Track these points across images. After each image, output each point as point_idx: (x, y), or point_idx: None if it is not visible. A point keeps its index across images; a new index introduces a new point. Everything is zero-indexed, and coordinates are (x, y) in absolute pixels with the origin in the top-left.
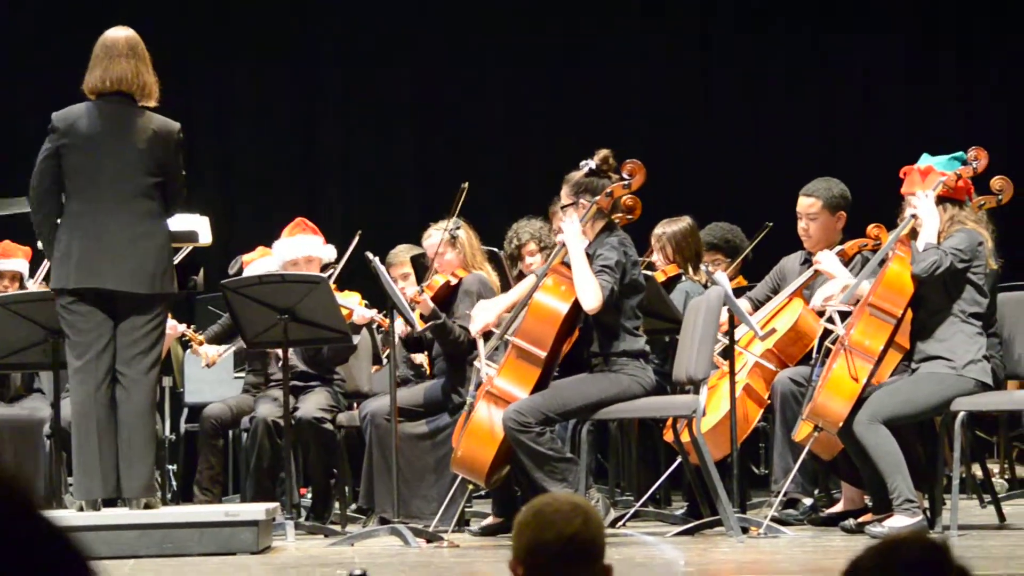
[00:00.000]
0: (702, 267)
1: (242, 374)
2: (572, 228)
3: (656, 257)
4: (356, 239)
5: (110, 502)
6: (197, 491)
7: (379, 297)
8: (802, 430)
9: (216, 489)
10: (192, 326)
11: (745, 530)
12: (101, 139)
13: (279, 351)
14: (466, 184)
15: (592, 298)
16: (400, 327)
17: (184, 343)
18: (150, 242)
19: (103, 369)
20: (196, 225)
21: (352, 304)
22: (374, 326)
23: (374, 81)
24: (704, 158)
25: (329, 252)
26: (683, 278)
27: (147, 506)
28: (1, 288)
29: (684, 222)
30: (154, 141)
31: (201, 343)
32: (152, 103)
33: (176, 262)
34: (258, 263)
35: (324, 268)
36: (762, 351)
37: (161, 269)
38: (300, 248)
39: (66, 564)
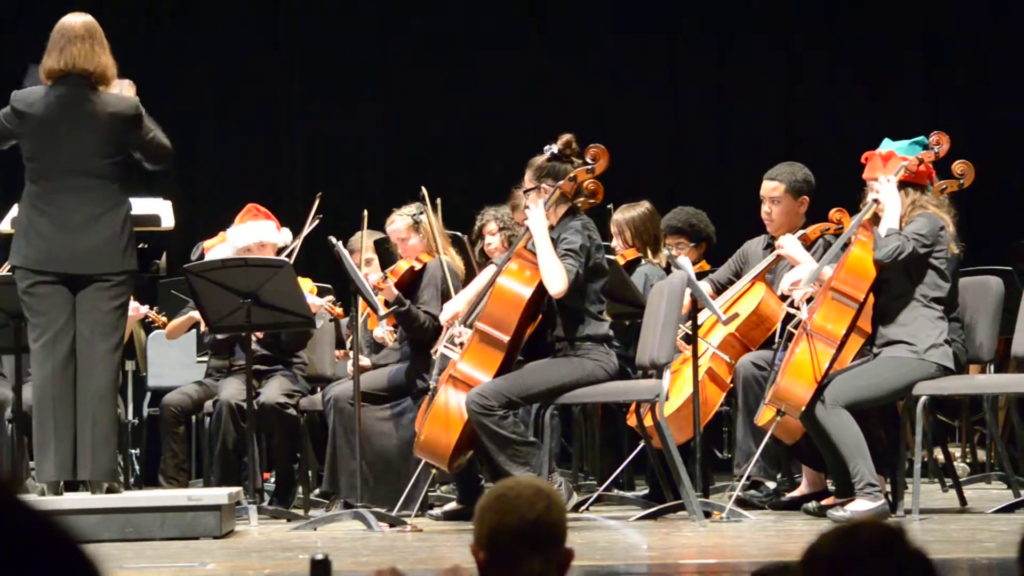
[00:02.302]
0: (663, 251)
1: (205, 358)
2: (537, 213)
3: (615, 242)
4: (314, 219)
5: (72, 486)
6: (162, 480)
7: (343, 282)
8: (764, 414)
9: (182, 477)
10: (155, 308)
11: (708, 514)
12: (58, 122)
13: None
14: (424, 190)
15: (557, 282)
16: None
17: (147, 325)
18: (109, 222)
19: (63, 350)
20: (158, 209)
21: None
22: (326, 317)
23: (339, 61)
24: (668, 142)
25: (283, 236)
26: (642, 262)
27: (110, 490)
28: None
29: (643, 207)
30: (111, 121)
31: (164, 324)
32: (109, 85)
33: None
34: (216, 249)
35: (279, 253)
36: (724, 335)
37: (121, 247)
38: (252, 234)
39: (53, 550)
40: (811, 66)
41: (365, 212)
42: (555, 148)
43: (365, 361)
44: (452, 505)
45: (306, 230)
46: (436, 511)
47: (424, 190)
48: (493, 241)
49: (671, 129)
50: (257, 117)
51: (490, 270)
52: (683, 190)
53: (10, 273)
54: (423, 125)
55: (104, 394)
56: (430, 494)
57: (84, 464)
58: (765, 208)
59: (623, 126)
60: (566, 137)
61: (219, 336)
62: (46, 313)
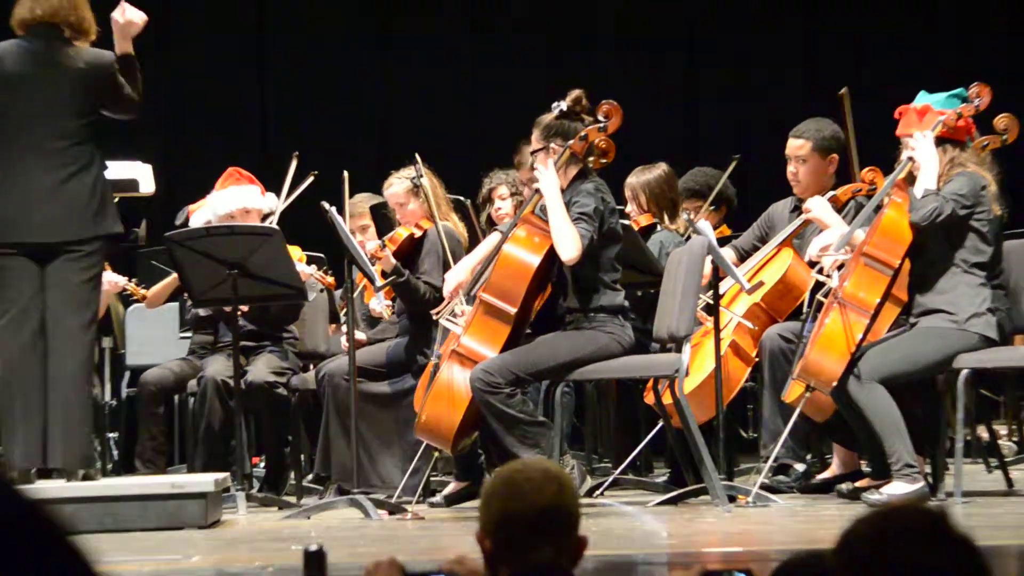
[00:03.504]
0: (682, 215)
1: (189, 335)
2: (547, 174)
3: (630, 207)
4: (304, 180)
5: (45, 473)
6: (139, 464)
7: (336, 251)
8: (793, 390)
9: (160, 461)
10: (134, 280)
11: (732, 499)
12: (28, 78)
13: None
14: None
15: (571, 248)
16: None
17: (125, 299)
18: (79, 185)
19: (30, 327)
20: (137, 173)
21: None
22: (318, 288)
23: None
24: (683, 102)
25: (268, 202)
26: (658, 228)
27: (86, 477)
28: None
29: (659, 169)
30: (85, 78)
31: (144, 297)
32: (87, 41)
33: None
34: (197, 215)
35: (263, 220)
36: (749, 306)
37: (91, 213)
38: (236, 200)
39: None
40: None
41: (345, 174)
42: (564, 105)
43: (361, 336)
44: (451, 487)
45: (286, 193)
46: (438, 497)
47: (418, 157)
48: (503, 207)
49: (686, 85)
50: (241, 70)
51: (494, 237)
52: (699, 151)
53: None
54: (419, 79)
55: (77, 374)
56: (432, 479)
57: (55, 450)
58: (791, 168)
59: (633, 81)
60: (576, 93)
61: (201, 313)
62: (10, 287)
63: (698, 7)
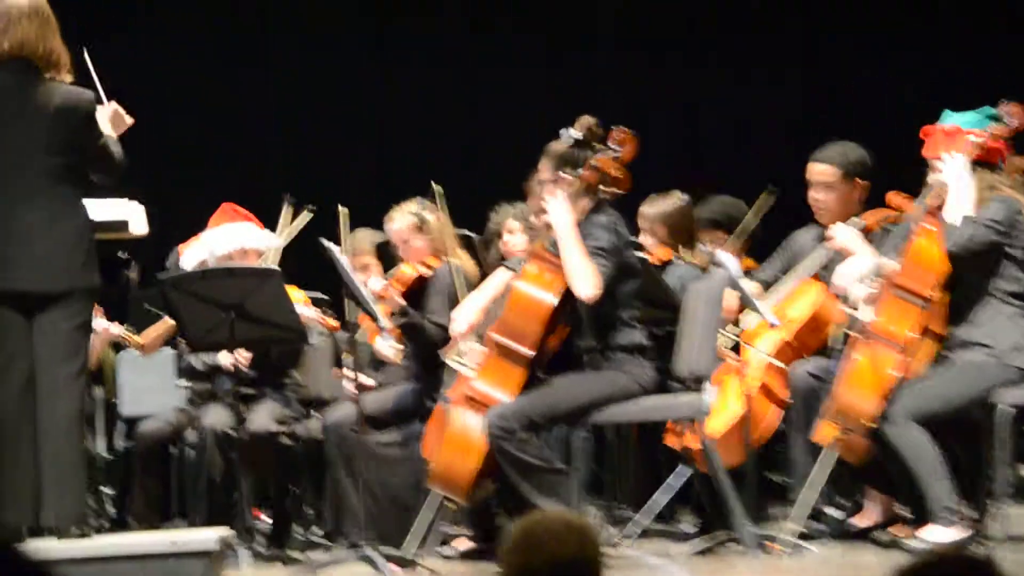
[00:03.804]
0: (700, 247)
1: (186, 383)
2: (558, 205)
3: (645, 239)
4: (302, 216)
5: (36, 532)
6: (132, 521)
7: (337, 292)
8: (824, 431)
9: (155, 517)
10: (127, 326)
11: (764, 547)
12: (2, 115)
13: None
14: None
15: (587, 284)
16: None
17: (118, 346)
18: (62, 230)
19: (18, 378)
20: (128, 213)
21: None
22: (320, 331)
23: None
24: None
25: (268, 239)
26: (674, 261)
27: (80, 535)
28: None
29: (675, 198)
30: (59, 116)
31: (140, 345)
32: (62, 76)
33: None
34: (189, 252)
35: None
36: (778, 343)
37: (79, 260)
38: (234, 239)
39: None
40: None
41: (342, 209)
42: (575, 132)
43: (369, 381)
44: (466, 544)
45: (281, 232)
46: (451, 549)
47: (436, 187)
48: (517, 242)
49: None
50: (233, 99)
51: (501, 273)
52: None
53: None
54: (421, 109)
55: (68, 426)
56: (446, 531)
57: (48, 508)
58: (814, 195)
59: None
60: (587, 120)
61: (196, 364)
62: None
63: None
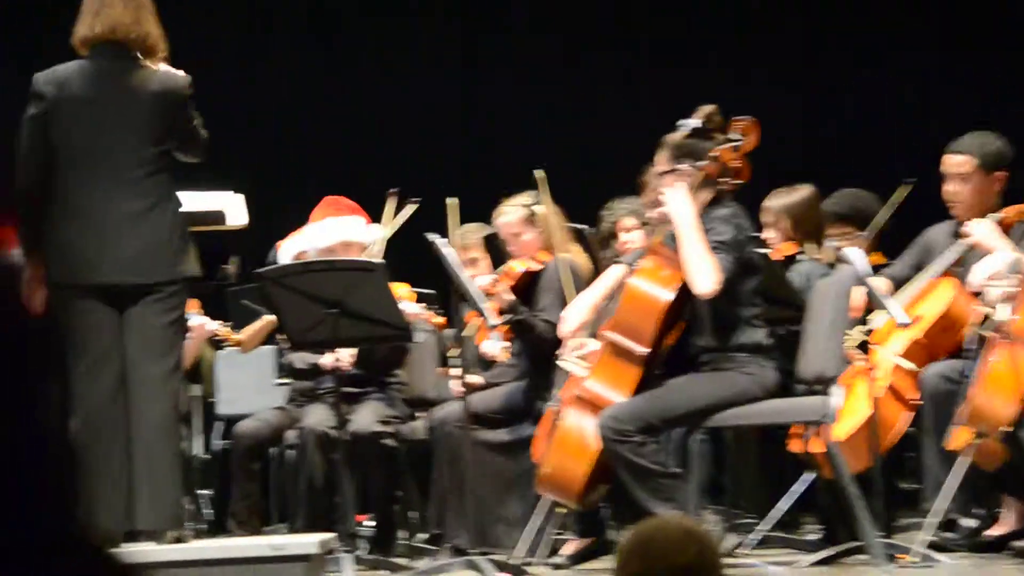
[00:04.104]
0: (827, 243)
1: (286, 381)
2: (677, 198)
3: (769, 233)
4: (404, 209)
5: (132, 536)
6: (233, 525)
7: (443, 287)
8: (958, 437)
9: (255, 521)
10: (226, 323)
11: (893, 558)
12: (96, 103)
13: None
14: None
15: (707, 280)
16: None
17: (216, 343)
18: (157, 222)
19: (109, 377)
20: (227, 204)
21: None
22: (425, 328)
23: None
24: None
25: (372, 233)
26: (799, 257)
27: (176, 539)
28: None
29: (803, 191)
30: (158, 101)
31: (238, 342)
32: (157, 61)
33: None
34: (287, 245)
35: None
36: (907, 343)
37: (172, 251)
38: (336, 233)
39: None
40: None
41: (448, 201)
42: (695, 122)
43: (476, 379)
44: (575, 544)
45: (385, 226)
46: (562, 555)
47: (540, 173)
48: (631, 238)
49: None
50: (331, 85)
51: (616, 269)
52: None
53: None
54: (527, 91)
55: (162, 427)
56: (556, 537)
57: (143, 511)
58: (949, 187)
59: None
60: (707, 109)
61: (297, 364)
62: (86, 333)
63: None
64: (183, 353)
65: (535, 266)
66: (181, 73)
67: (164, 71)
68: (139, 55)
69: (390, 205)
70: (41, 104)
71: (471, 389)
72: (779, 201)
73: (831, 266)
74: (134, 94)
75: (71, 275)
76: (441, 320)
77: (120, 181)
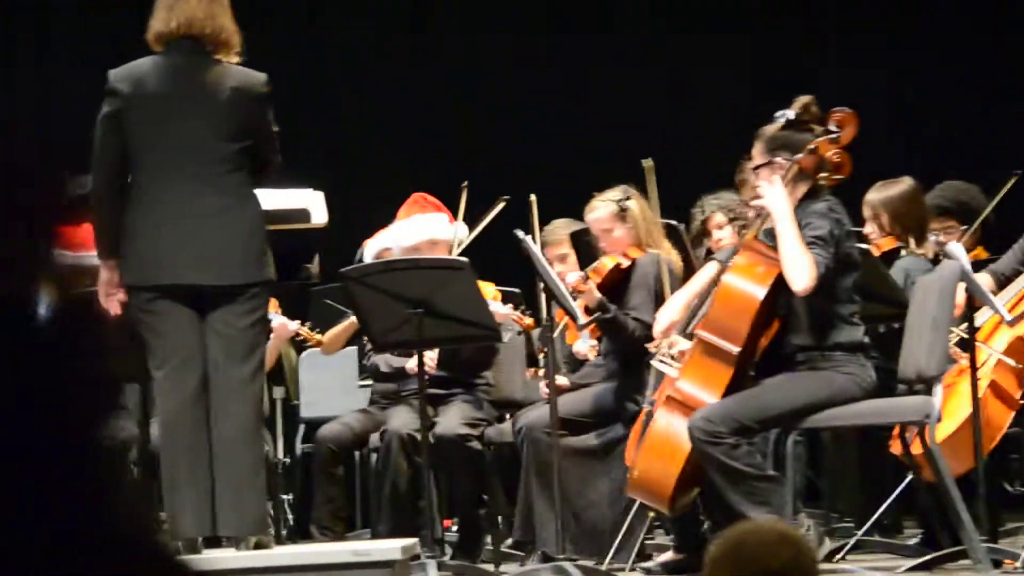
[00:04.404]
0: (930, 237)
1: (369, 382)
2: (774, 191)
3: (869, 228)
4: (494, 206)
5: (213, 541)
6: (315, 531)
7: (529, 285)
8: None
9: (339, 527)
10: (307, 323)
11: (998, 564)
12: (172, 100)
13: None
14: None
15: (803, 276)
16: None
17: (298, 344)
18: (237, 221)
19: (192, 380)
20: (307, 202)
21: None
22: (514, 329)
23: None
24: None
25: (458, 231)
26: (901, 253)
27: (258, 545)
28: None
29: (904, 184)
30: (236, 98)
31: (320, 343)
32: (232, 57)
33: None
34: (371, 244)
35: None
36: (1010, 339)
37: (253, 253)
38: (421, 230)
39: None
40: None
41: (533, 197)
42: (791, 113)
43: (563, 380)
44: (668, 555)
45: (469, 220)
46: (653, 562)
47: (649, 162)
48: (722, 235)
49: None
50: (413, 78)
51: (711, 267)
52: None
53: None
54: (625, 88)
55: (245, 431)
56: (647, 542)
57: (225, 516)
58: None
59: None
60: (804, 100)
61: (382, 367)
62: (168, 335)
63: None
64: (265, 355)
65: (624, 261)
66: (259, 73)
67: (241, 69)
68: (214, 50)
69: (463, 199)
70: (116, 102)
71: (560, 391)
72: (879, 195)
73: (933, 261)
74: (211, 90)
75: (149, 276)
76: (529, 320)
77: (198, 179)
